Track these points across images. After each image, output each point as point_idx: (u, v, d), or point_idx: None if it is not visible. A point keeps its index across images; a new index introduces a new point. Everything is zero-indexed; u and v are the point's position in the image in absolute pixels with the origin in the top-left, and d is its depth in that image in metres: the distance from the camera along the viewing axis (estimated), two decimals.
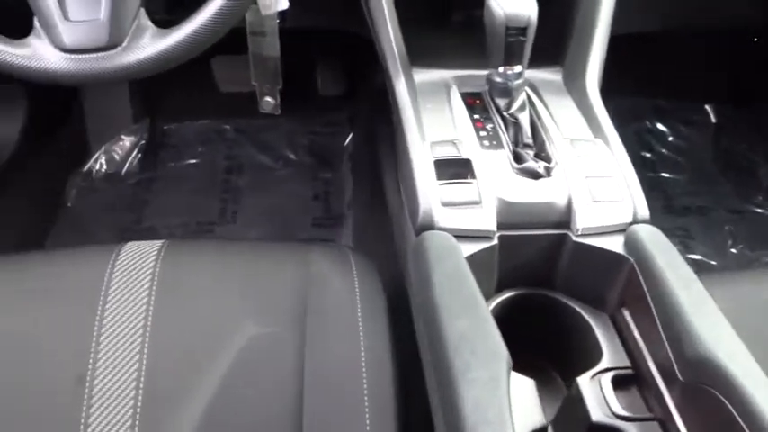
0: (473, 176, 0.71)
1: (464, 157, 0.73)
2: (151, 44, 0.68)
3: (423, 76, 0.87)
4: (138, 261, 0.76)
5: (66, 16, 0.67)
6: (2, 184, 1.35)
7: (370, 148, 1.55)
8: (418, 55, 0.89)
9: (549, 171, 0.72)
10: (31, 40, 0.68)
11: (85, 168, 1.60)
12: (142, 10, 0.70)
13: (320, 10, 1.15)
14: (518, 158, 0.75)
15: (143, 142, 1.66)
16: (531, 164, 0.73)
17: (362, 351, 0.70)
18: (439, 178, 0.71)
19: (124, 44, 0.68)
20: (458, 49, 0.96)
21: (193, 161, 1.66)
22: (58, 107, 1.56)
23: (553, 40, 0.88)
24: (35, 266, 0.79)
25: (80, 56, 0.67)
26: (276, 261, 0.80)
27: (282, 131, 1.72)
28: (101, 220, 1.52)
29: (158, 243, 0.79)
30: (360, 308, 0.74)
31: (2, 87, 1.32)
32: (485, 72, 0.88)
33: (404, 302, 0.80)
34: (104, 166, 1.61)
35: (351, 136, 1.72)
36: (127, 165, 1.63)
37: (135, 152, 1.64)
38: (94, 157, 1.60)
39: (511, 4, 0.75)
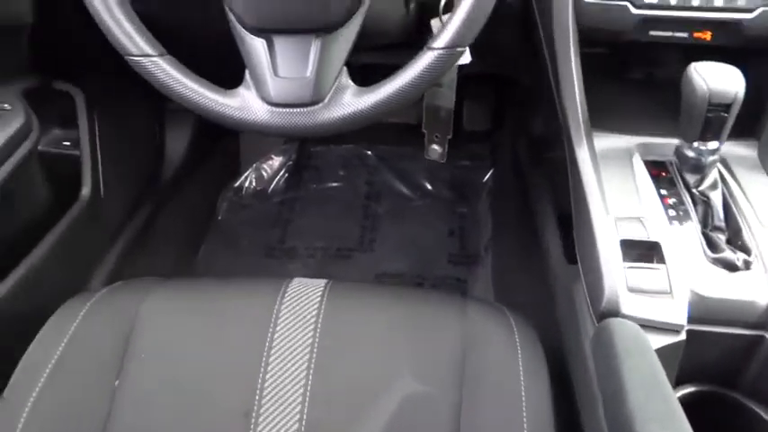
0: (662, 261, 0.68)
1: (652, 239, 0.70)
2: (352, 102, 0.71)
3: (603, 140, 0.85)
4: (304, 300, 0.79)
5: (275, 73, 0.71)
6: (166, 195, 1.46)
7: (514, 188, 1.53)
8: (597, 117, 0.86)
9: (747, 264, 0.68)
10: (241, 91, 0.73)
11: (237, 184, 1.69)
12: (344, 69, 0.72)
13: (494, 58, 1.15)
14: (710, 244, 0.71)
15: (290, 163, 1.74)
16: (729, 254, 0.68)
17: (525, 422, 0.69)
18: (625, 260, 0.68)
19: (326, 101, 0.71)
20: (638, 111, 0.92)
21: (335, 184, 1.72)
22: (216, 127, 1.66)
23: (748, 110, 0.83)
24: (207, 294, 0.84)
25: (285, 110, 0.71)
26: (434, 313, 0.80)
27: (422, 161, 1.74)
28: (248, 234, 1.60)
29: (323, 282, 0.82)
30: (522, 376, 0.73)
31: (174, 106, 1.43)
32: (669, 140, 0.84)
33: (563, 370, 0.78)
34: (254, 183, 1.70)
35: (491, 172, 1.71)
36: (274, 183, 1.71)
37: (282, 171, 1.72)
38: (245, 174, 1.70)
39: (716, 79, 0.71)
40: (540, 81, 0.98)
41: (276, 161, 1.72)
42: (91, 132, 1.15)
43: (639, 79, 0.99)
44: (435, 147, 0.98)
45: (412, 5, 0.93)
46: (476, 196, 1.68)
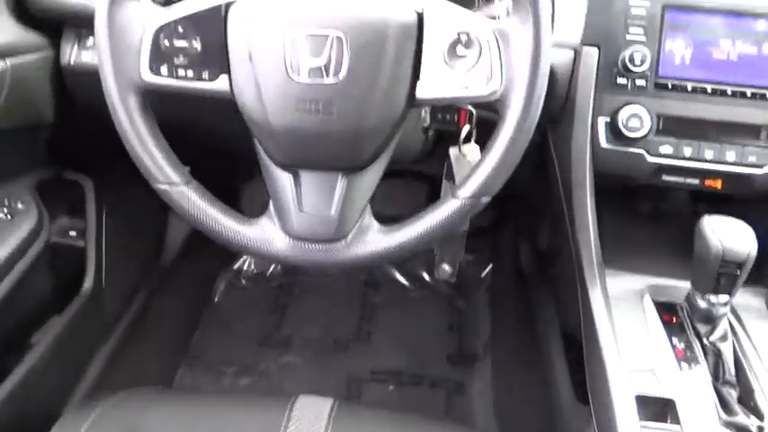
0: (676, 421, 0.68)
1: (667, 395, 0.70)
2: (374, 241, 0.72)
3: (615, 279, 0.86)
4: (311, 421, 0.78)
5: (300, 207, 0.72)
6: (165, 278, 1.45)
7: (514, 289, 1.54)
8: (608, 252, 0.88)
9: (761, 430, 0.68)
10: (264, 221, 0.73)
11: (236, 266, 1.69)
12: (368, 207, 0.74)
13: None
14: (723, 403, 0.71)
15: None
16: (742, 418, 0.69)
17: None
18: (641, 418, 0.68)
19: (348, 238, 0.72)
20: (648, 247, 0.94)
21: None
22: None
23: (757, 257, 0.85)
24: (211, 411, 0.83)
25: (306, 245, 0.72)
26: None
27: (421, 252, 1.74)
28: (244, 319, 1.58)
29: (329, 403, 0.81)
30: None
31: None
32: (681, 283, 0.86)
33: None
34: (252, 266, 1.69)
35: (490, 267, 1.72)
36: (272, 267, 1.70)
37: None
38: (244, 257, 1.69)
39: (729, 236, 0.73)
40: (549, 201, 1.00)
41: None
42: (98, 223, 1.15)
43: (647, 211, 1.02)
44: (446, 267, 0.99)
45: (431, 133, 0.96)
46: (474, 291, 1.69)
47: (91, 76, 0.96)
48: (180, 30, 0.68)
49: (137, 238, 1.33)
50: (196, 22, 0.69)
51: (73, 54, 0.98)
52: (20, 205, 0.94)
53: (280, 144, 0.71)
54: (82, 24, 0.98)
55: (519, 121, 0.67)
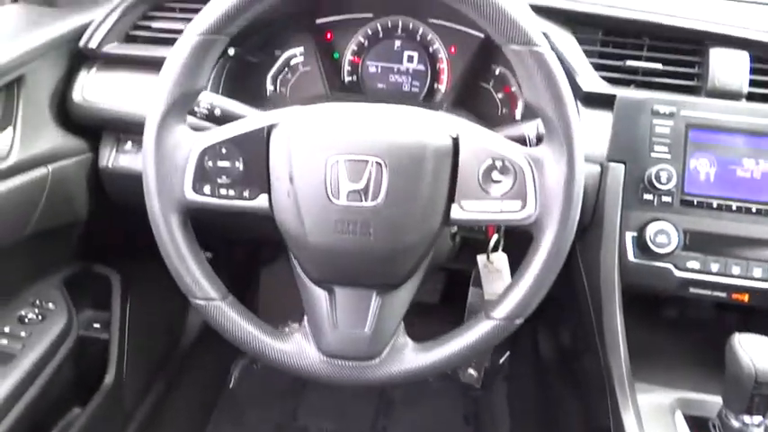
0: None
1: None
2: (408, 360, 0.72)
3: (645, 394, 0.85)
4: None
5: (334, 324, 0.73)
6: (182, 366, 1.44)
7: (533, 381, 1.52)
8: (637, 363, 0.88)
9: None
10: (298, 337, 0.74)
11: None
12: (401, 325, 0.74)
13: None
14: None
15: None
16: None
17: None
18: None
19: (382, 356, 0.72)
20: (676, 357, 0.94)
21: None
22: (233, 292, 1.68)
23: None
24: None
25: (340, 362, 0.72)
26: None
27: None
28: (259, 407, 1.56)
29: None
30: None
31: None
32: (712, 397, 0.85)
33: None
34: None
35: (507, 354, 1.70)
36: None
37: None
38: None
39: (762, 357, 0.73)
40: (574, 301, 1.01)
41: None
42: (122, 316, 1.16)
43: (673, 317, 1.02)
44: (471, 371, 0.99)
45: (457, 239, 0.98)
46: (492, 379, 1.66)
47: (127, 178, 1.01)
48: (223, 151, 0.71)
49: (158, 328, 1.34)
50: (239, 144, 0.72)
51: (111, 157, 1.02)
52: (50, 305, 0.95)
53: (316, 262, 0.72)
54: (120, 129, 1.02)
55: (553, 246, 0.68)
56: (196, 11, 0.99)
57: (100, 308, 1.17)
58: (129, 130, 1.01)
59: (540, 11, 0.93)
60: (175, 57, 0.69)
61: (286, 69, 1.05)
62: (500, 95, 1.01)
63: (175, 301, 1.38)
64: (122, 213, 1.00)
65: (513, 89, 1.00)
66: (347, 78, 1.05)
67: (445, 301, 1.62)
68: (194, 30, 0.69)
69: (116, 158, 1.02)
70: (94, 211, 1.04)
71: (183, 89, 0.70)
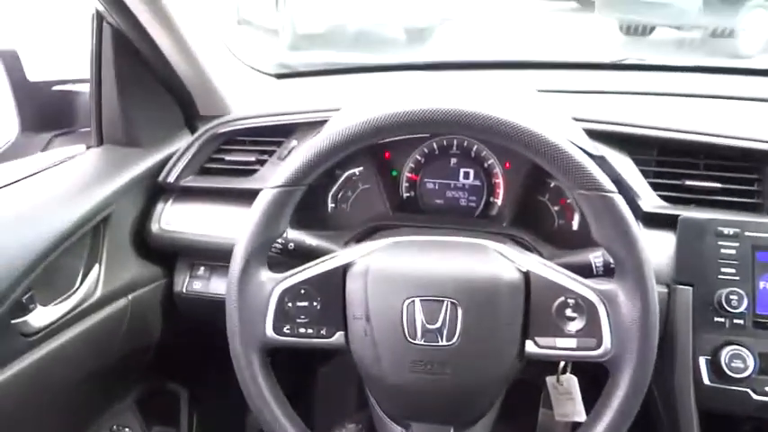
0: None
1: None
2: None
3: None
4: None
5: None
6: None
7: None
8: None
9: None
10: None
11: None
12: None
13: None
14: None
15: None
16: None
17: None
18: None
19: None
20: None
21: None
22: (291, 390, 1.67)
23: None
24: None
25: None
26: None
27: None
28: None
29: None
30: None
31: None
32: None
33: None
34: None
35: None
36: None
37: None
38: None
39: None
40: (648, 415, 0.98)
41: (350, 428, 1.69)
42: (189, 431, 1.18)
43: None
44: None
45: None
46: None
47: (199, 302, 1.05)
48: (302, 292, 0.74)
49: None
50: (317, 284, 0.75)
51: (185, 283, 1.06)
52: (127, 430, 0.97)
53: (393, 400, 0.74)
54: (193, 256, 1.07)
55: (631, 387, 0.68)
56: (266, 143, 1.11)
57: (169, 424, 1.19)
58: (201, 256, 1.06)
59: (596, 135, 0.96)
60: (258, 208, 0.74)
61: (346, 187, 1.09)
62: (556, 208, 1.03)
63: (236, 417, 1.40)
64: (194, 333, 1.03)
65: (569, 201, 1.02)
66: (405, 194, 1.09)
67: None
68: (276, 181, 0.74)
69: (190, 283, 1.06)
70: (168, 333, 1.08)
71: (264, 238, 0.74)
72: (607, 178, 0.69)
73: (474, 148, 1.06)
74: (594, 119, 1.00)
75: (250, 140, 1.09)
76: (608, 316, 0.69)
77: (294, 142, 1.06)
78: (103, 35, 1.00)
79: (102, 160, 1.02)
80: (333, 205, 1.09)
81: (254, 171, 1.05)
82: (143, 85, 1.07)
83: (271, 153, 1.07)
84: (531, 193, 1.03)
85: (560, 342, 0.71)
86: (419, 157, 1.08)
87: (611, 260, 0.76)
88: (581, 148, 0.77)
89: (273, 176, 0.75)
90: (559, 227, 1.03)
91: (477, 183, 1.07)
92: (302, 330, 0.74)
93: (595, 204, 0.69)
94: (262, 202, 0.74)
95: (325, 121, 1.03)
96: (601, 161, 0.92)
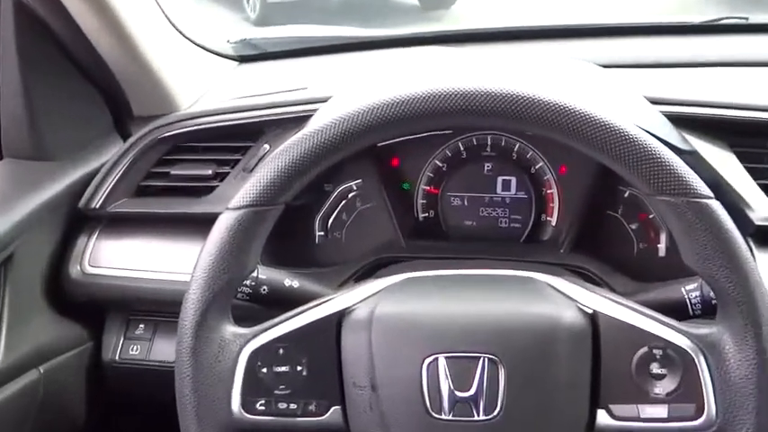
0: None
1: None
2: None
3: None
4: None
5: None
6: None
7: None
8: None
9: None
10: None
11: None
12: None
13: None
14: None
15: None
16: None
17: None
18: None
19: None
20: None
21: None
22: None
23: None
24: None
25: None
26: None
27: None
28: None
29: None
30: None
31: None
32: None
33: None
34: None
35: None
36: None
37: None
38: None
39: None
40: None
41: None
42: None
43: None
44: None
45: None
46: None
47: (139, 373, 1.05)
48: (280, 352, 0.74)
49: None
50: (301, 341, 0.75)
51: (118, 347, 1.07)
52: None
53: None
54: (129, 309, 1.08)
55: None
56: (227, 150, 1.11)
57: None
58: (140, 308, 1.06)
59: (684, 122, 0.97)
60: (216, 238, 0.74)
61: (340, 208, 1.09)
62: (634, 226, 1.03)
63: None
64: (131, 415, 1.03)
65: (652, 216, 1.02)
66: (422, 215, 1.09)
67: None
68: (241, 201, 0.74)
69: (125, 348, 1.06)
70: (95, 416, 1.07)
71: (226, 279, 0.74)
72: (701, 181, 0.69)
73: (515, 148, 1.06)
74: (680, 100, 1.01)
75: (205, 147, 1.10)
76: (711, 371, 0.69)
77: (265, 147, 1.07)
78: (1, 9, 1.01)
79: (1, 180, 1.03)
80: (322, 233, 1.10)
81: (212, 189, 1.06)
82: (57, 76, 1.09)
83: (233, 163, 1.08)
84: (598, 208, 1.03)
85: (645, 411, 0.70)
86: (440, 164, 1.08)
87: (712, 294, 0.76)
88: (664, 141, 0.77)
89: (238, 195, 0.75)
90: (639, 252, 1.03)
91: (523, 195, 1.07)
92: (282, 406, 0.74)
93: (686, 215, 0.69)
94: (222, 229, 0.74)
95: (307, 116, 1.04)
96: (692, 158, 0.93)
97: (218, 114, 1.11)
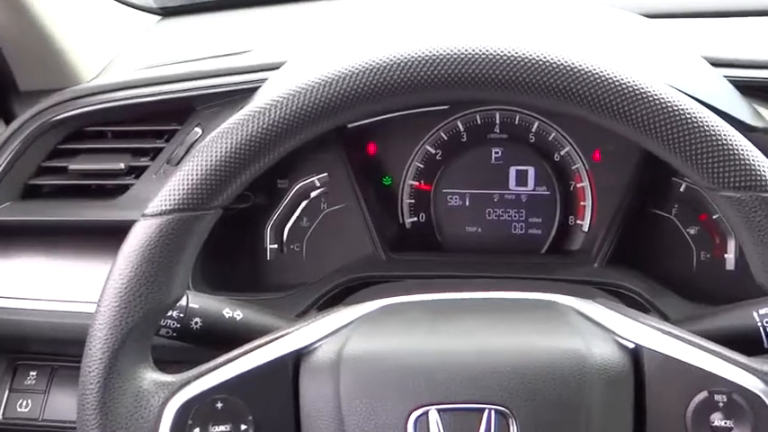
0: None
1: None
2: None
3: None
4: None
5: None
6: None
7: None
8: None
9: None
10: None
11: None
12: None
13: None
14: None
15: None
16: None
17: None
18: None
19: None
20: None
21: None
22: None
23: None
24: None
25: None
26: None
27: None
28: None
29: None
30: None
31: None
32: None
33: None
34: None
35: None
36: None
37: None
38: None
39: None
40: None
41: None
42: None
43: None
44: None
45: None
46: None
47: None
48: (219, 406, 0.74)
49: None
50: (245, 391, 0.75)
51: (1, 403, 1.06)
52: None
53: None
54: (14, 349, 1.07)
55: None
56: (145, 135, 1.10)
57: None
58: (30, 349, 1.06)
59: (753, 89, 0.98)
60: (131, 254, 0.74)
61: (299, 212, 1.10)
62: (692, 231, 1.04)
63: None
64: None
65: (716, 217, 1.03)
66: (409, 220, 1.10)
67: None
68: (163, 204, 0.74)
69: (10, 404, 1.06)
70: None
71: (149, 305, 0.74)
72: None
73: (533, 128, 1.07)
74: (750, 60, 1.02)
75: (115, 132, 1.11)
76: None
77: (196, 131, 1.07)
78: None
79: None
80: (275, 246, 1.10)
81: (125, 188, 1.07)
82: None
83: (154, 153, 1.09)
84: (644, 207, 1.04)
85: None
86: (432, 150, 1.09)
87: None
88: (728, 117, 0.78)
89: (158, 196, 0.75)
90: (700, 265, 1.04)
91: (544, 191, 1.08)
92: None
93: (757, 215, 0.69)
94: (138, 243, 0.74)
95: (252, 89, 1.04)
96: (766, 136, 0.93)
97: (132, 87, 1.11)
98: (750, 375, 0.71)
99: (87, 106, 1.10)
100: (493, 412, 0.71)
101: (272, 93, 0.74)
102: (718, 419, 0.71)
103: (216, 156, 0.73)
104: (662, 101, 0.69)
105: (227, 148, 0.73)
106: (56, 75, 1.14)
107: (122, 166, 1.06)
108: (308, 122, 0.73)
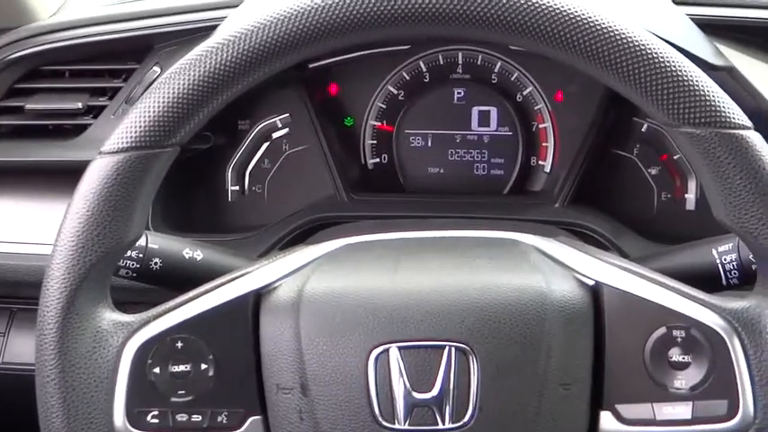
0: None
1: None
2: None
3: None
4: None
5: None
6: None
7: None
8: None
9: None
10: None
11: None
12: None
13: None
14: None
15: None
16: None
17: None
18: None
19: None
20: None
21: None
22: None
23: None
24: None
25: None
26: None
27: None
28: None
29: None
30: None
31: None
32: None
33: None
34: None
35: None
36: None
37: None
38: None
39: None
40: None
41: None
42: None
43: None
44: None
45: None
46: None
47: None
48: (178, 345, 0.74)
49: None
50: (205, 331, 0.75)
51: None
52: None
53: None
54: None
55: None
56: (102, 74, 1.09)
57: None
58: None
59: (716, 28, 0.98)
60: (88, 192, 0.73)
61: (261, 153, 1.09)
62: (653, 171, 1.05)
63: None
64: None
65: (678, 157, 1.03)
66: (371, 161, 1.10)
67: None
68: (121, 142, 0.73)
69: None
70: None
71: (106, 245, 0.73)
72: (737, 107, 0.70)
73: (496, 68, 1.07)
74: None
75: (72, 71, 1.09)
76: (748, 357, 0.70)
77: (155, 70, 1.06)
78: None
79: None
80: (236, 187, 1.10)
81: (83, 128, 1.06)
82: None
83: (112, 92, 1.08)
84: (605, 146, 1.04)
85: (663, 411, 0.71)
86: (394, 90, 1.08)
87: (751, 256, 0.77)
88: (689, 54, 0.77)
89: (115, 133, 0.74)
90: (661, 205, 1.04)
91: (506, 132, 1.08)
92: (182, 418, 0.74)
93: (716, 151, 0.69)
94: (94, 181, 0.73)
95: (213, 26, 1.03)
96: (727, 76, 0.94)
97: (90, 25, 1.10)
98: (708, 311, 0.71)
99: (43, 44, 1.08)
100: (453, 349, 0.71)
101: (230, 29, 0.73)
102: (676, 354, 0.71)
103: (173, 92, 0.72)
104: (623, 37, 0.69)
105: (184, 84, 0.72)
106: (11, 13, 1.11)
107: (80, 105, 1.05)
108: (267, 59, 0.72)
